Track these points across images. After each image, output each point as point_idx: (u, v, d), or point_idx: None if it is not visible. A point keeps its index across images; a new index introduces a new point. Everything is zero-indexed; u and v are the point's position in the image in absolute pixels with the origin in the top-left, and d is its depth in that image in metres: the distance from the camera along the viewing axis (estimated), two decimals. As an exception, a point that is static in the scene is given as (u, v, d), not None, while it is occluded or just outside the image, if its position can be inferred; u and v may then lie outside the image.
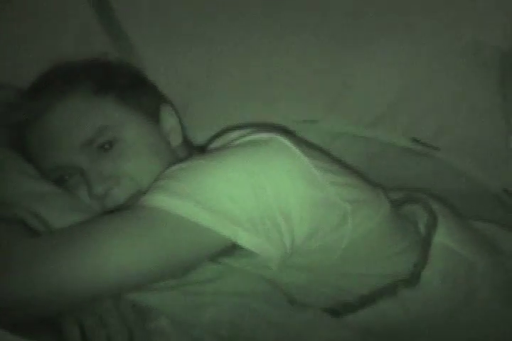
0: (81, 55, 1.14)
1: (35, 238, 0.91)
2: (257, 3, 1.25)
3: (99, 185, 1.01)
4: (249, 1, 1.26)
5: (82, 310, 0.89)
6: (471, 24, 1.17)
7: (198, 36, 1.28)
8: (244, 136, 1.03)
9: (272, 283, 1.05)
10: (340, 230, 0.99)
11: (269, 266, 0.95)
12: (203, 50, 1.31)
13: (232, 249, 0.94)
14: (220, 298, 0.99)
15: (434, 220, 1.13)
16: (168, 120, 1.15)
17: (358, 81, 1.36)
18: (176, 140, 1.14)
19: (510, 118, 1.02)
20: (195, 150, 1.20)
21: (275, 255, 0.93)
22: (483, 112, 1.26)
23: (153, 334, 0.94)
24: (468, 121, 1.32)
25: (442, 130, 1.38)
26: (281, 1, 1.25)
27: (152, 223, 0.90)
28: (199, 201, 0.90)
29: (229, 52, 1.32)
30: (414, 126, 1.40)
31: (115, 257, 0.86)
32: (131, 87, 1.12)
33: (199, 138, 1.31)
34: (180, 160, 1.01)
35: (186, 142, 1.19)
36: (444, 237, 1.11)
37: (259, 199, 0.92)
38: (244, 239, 0.90)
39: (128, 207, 0.96)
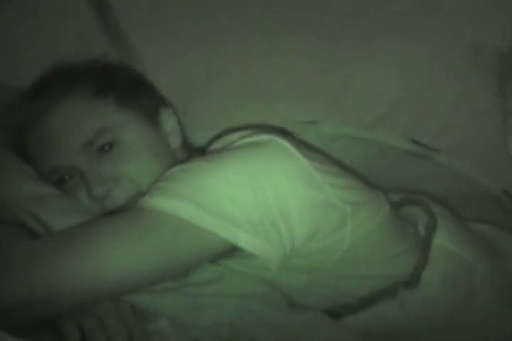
0: (81, 56, 1.14)
1: (34, 240, 0.91)
2: (257, 3, 1.25)
3: (98, 186, 1.02)
4: (249, 1, 1.25)
5: (82, 311, 0.89)
6: (471, 24, 1.17)
7: (198, 36, 1.28)
8: (244, 137, 1.03)
9: (272, 285, 1.05)
10: (340, 232, 0.99)
11: (268, 268, 0.95)
12: (202, 50, 1.31)
13: (232, 250, 0.94)
14: (220, 300, 0.99)
15: (434, 222, 1.13)
16: (168, 122, 1.15)
17: (358, 81, 1.36)
18: (175, 141, 1.14)
19: (509, 120, 1.01)
20: (195, 151, 1.20)
21: (275, 256, 0.93)
22: (483, 113, 1.26)
23: (153, 335, 0.94)
24: (468, 121, 1.32)
25: (442, 131, 1.38)
26: (281, 1, 1.25)
27: (152, 225, 0.90)
28: (199, 203, 0.90)
29: (229, 53, 1.32)
30: (414, 126, 1.40)
31: (115, 259, 0.86)
32: (130, 88, 1.12)
33: (199, 139, 1.30)
34: (180, 162, 1.01)
35: (186, 144, 1.19)
36: (443, 239, 1.11)
37: (258, 200, 0.92)
38: (244, 240, 0.91)
39: (128, 209, 0.96)
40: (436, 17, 1.19)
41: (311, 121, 1.45)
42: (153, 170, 1.03)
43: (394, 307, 1.06)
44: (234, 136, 1.07)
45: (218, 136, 1.16)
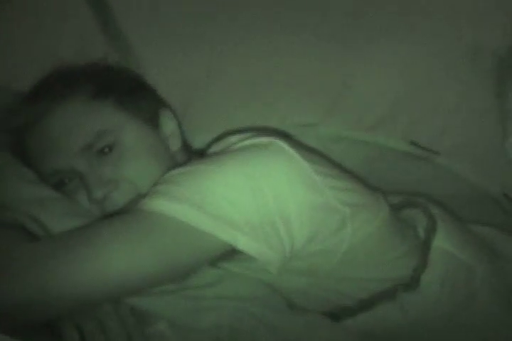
0: (80, 56, 1.14)
1: (34, 243, 0.91)
2: (257, 3, 1.25)
3: (98, 189, 1.02)
4: (249, 0, 1.25)
5: (81, 314, 0.90)
6: (471, 24, 1.16)
7: (198, 37, 1.28)
8: (243, 140, 1.03)
9: (272, 287, 1.05)
10: (340, 234, 0.99)
11: (268, 270, 0.95)
12: (202, 50, 1.30)
13: (231, 253, 0.94)
14: (220, 302, 0.99)
15: (434, 224, 1.13)
16: (168, 124, 1.15)
17: (358, 81, 1.35)
18: (175, 144, 1.14)
19: (506, 122, 1.01)
20: (195, 154, 1.20)
21: (274, 259, 0.93)
22: (483, 114, 1.26)
23: (153, 338, 0.94)
24: (468, 122, 1.32)
25: (442, 132, 1.37)
26: (281, 1, 1.25)
27: (152, 227, 0.90)
28: (198, 205, 0.90)
29: (229, 53, 1.31)
30: (414, 127, 1.40)
31: (115, 262, 0.86)
32: (130, 91, 1.12)
33: (198, 142, 1.30)
34: (180, 165, 1.01)
35: (185, 146, 1.19)
36: (443, 241, 1.11)
37: (258, 203, 0.92)
38: (244, 243, 0.91)
39: (127, 211, 0.96)
40: (436, 17, 1.19)
41: (311, 124, 1.45)
42: (152, 173, 1.03)
43: (393, 310, 1.06)
44: (233, 139, 1.07)
45: (218, 139, 1.16)
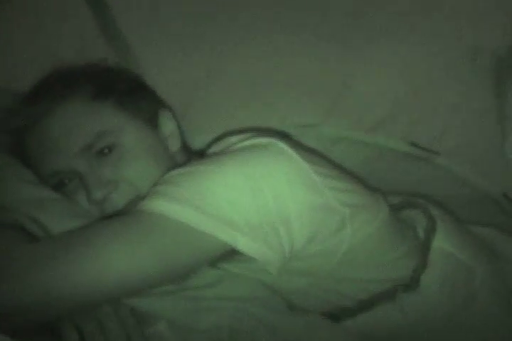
0: (80, 57, 1.14)
1: (34, 243, 0.91)
2: (257, 3, 1.24)
3: (98, 190, 1.02)
4: (249, 0, 1.25)
5: (81, 315, 0.90)
6: (471, 25, 1.16)
7: (197, 37, 1.27)
8: (243, 140, 1.03)
9: (271, 288, 1.05)
10: (339, 235, 0.99)
11: (268, 271, 0.96)
12: (202, 50, 1.30)
13: (231, 253, 0.94)
14: (220, 303, 0.99)
15: (433, 225, 1.13)
16: (167, 125, 1.15)
17: (357, 82, 1.35)
18: (174, 145, 1.14)
19: (505, 123, 1.01)
20: (194, 155, 1.20)
21: (274, 259, 0.93)
22: (483, 114, 1.25)
23: (152, 338, 0.94)
24: (468, 123, 1.32)
25: (442, 132, 1.37)
26: (281, 1, 1.25)
27: (151, 228, 0.90)
28: (198, 206, 0.90)
29: (228, 53, 1.31)
30: (414, 128, 1.40)
31: (115, 262, 0.86)
32: (129, 92, 1.12)
33: (198, 142, 1.30)
34: (179, 165, 1.01)
35: (185, 147, 1.19)
36: (443, 242, 1.11)
37: (258, 203, 0.92)
38: (243, 243, 0.91)
39: (127, 212, 0.96)
40: (436, 17, 1.19)
41: (311, 124, 1.45)
42: (152, 174, 1.03)
43: (393, 310, 1.06)
44: (233, 139, 1.07)
45: (218, 139, 1.16)
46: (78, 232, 0.93)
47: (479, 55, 1.17)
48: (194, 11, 1.25)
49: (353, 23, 1.25)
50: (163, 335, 0.94)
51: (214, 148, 1.12)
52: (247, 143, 1.02)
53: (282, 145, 0.99)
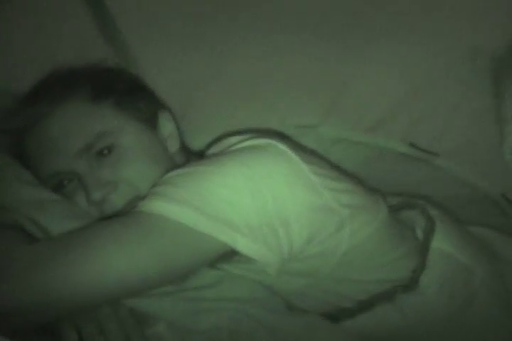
0: (79, 58, 1.14)
1: (33, 244, 0.91)
2: (257, 3, 1.24)
3: (97, 190, 1.02)
4: (249, 1, 1.25)
5: (80, 316, 0.90)
6: (470, 24, 1.16)
7: (197, 37, 1.27)
8: (242, 141, 1.03)
9: (271, 289, 1.05)
10: (338, 236, 0.99)
11: (267, 272, 0.95)
12: (201, 51, 1.30)
13: (231, 254, 0.94)
14: (219, 304, 0.99)
15: (432, 225, 1.13)
16: (166, 126, 1.15)
17: (357, 82, 1.35)
18: (173, 145, 1.14)
19: (503, 125, 1.01)
20: (193, 155, 1.20)
21: (273, 260, 0.93)
22: (483, 115, 1.25)
23: (152, 340, 0.94)
24: (467, 124, 1.32)
25: (442, 133, 1.37)
26: (281, 1, 1.25)
27: (151, 229, 0.90)
28: (197, 207, 0.90)
29: (228, 54, 1.31)
30: (414, 128, 1.40)
31: (114, 263, 0.86)
32: (129, 92, 1.12)
33: (197, 143, 1.30)
34: (178, 166, 1.01)
35: (184, 148, 1.19)
36: (442, 242, 1.10)
37: (257, 205, 0.92)
38: (243, 244, 0.91)
39: (126, 213, 0.96)
40: (436, 17, 1.19)
41: (310, 125, 1.45)
42: (151, 174, 1.03)
43: (392, 311, 1.06)
44: (232, 140, 1.07)
45: (217, 140, 1.17)
46: (77, 233, 0.93)
47: (479, 55, 1.17)
48: (194, 11, 1.25)
49: (353, 23, 1.25)
50: (162, 336, 0.94)
51: (213, 149, 1.12)
52: (246, 144, 1.02)
53: (281, 146, 0.99)
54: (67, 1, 1.19)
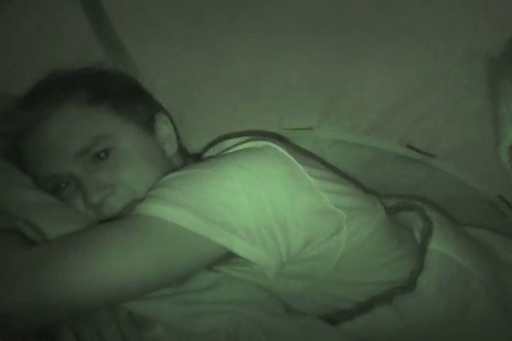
0: (77, 60, 1.14)
1: (32, 248, 0.91)
2: (257, 3, 1.24)
3: (95, 193, 1.02)
4: (249, 1, 1.24)
5: (79, 320, 0.89)
6: (466, 26, 1.16)
7: (194, 39, 1.28)
8: (239, 143, 1.04)
9: (269, 291, 1.05)
10: (336, 238, 0.99)
11: (265, 274, 0.95)
12: (199, 52, 1.30)
13: (228, 257, 0.94)
14: (217, 307, 0.99)
15: (430, 227, 1.13)
16: (163, 129, 1.15)
17: (356, 83, 1.36)
18: (171, 148, 1.14)
19: (499, 127, 1.01)
20: (191, 158, 1.20)
21: (271, 263, 0.93)
22: (480, 118, 1.25)
23: (150, 342, 0.95)
24: (464, 127, 1.32)
25: (439, 136, 1.37)
26: (280, 2, 1.24)
27: (148, 232, 0.90)
28: (195, 209, 0.90)
29: (225, 55, 1.31)
30: (411, 131, 1.40)
31: (112, 267, 0.86)
32: (126, 96, 1.12)
33: (194, 146, 1.30)
34: (176, 169, 1.01)
35: (181, 150, 1.19)
36: (439, 244, 1.10)
37: (254, 207, 0.92)
38: (240, 247, 0.91)
39: (123, 216, 0.96)
40: (437, 18, 1.18)
41: (307, 128, 1.45)
42: (149, 177, 1.03)
43: (391, 313, 1.05)
44: (229, 143, 1.08)
45: (214, 143, 1.17)
46: (75, 236, 0.93)
47: (478, 56, 1.17)
48: (193, 11, 1.25)
49: (353, 23, 1.25)
50: (160, 339, 0.94)
51: (211, 152, 1.13)
52: (243, 146, 1.02)
53: (278, 148, 0.99)
54: (67, 2, 1.19)
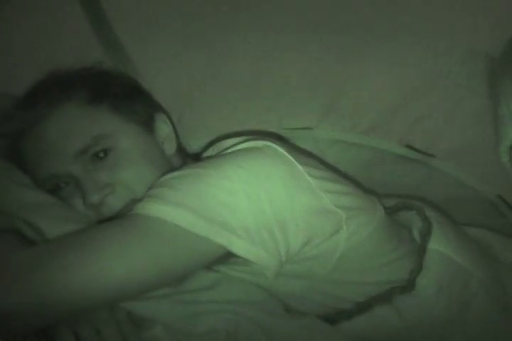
0: (76, 60, 1.14)
1: (31, 248, 0.91)
2: (257, 4, 1.24)
3: (94, 193, 1.02)
4: (248, 1, 1.24)
5: (78, 320, 0.89)
6: (466, 26, 1.16)
7: (194, 39, 1.28)
8: (239, 143, 1.03)
9: (268, 291, 1.05)
10: (335, 238, 0.99)
11: (265, 274, 0.95)
12: (199, 51, 1.30)
13: (228, 256, 0.94)
14: (216, 307, 0.98)
15: (429, 227, 1.13)
16: (163, 128, 1.15)
17: (356, 83, 1.35)
18: (170, 148, 1.14)
19: (499, 126, 1.01)
20: (190, 158, 1.20)
21: (270, 263, 0.93)
22: (479, 118, 1.25)
23: (149, 342, 0.95)
24: (464, 127, 1.32)
25: (438, 135, 1.37)
26: (280, 3, 1.24)
27: (147, 232, 0.90)
28: (194, 209, 0.90)
29: (225, 55, 1.31)
30: (410, 131, 1.40)
31: (111, 266, 0.86)
32: (125, 95, 1.12)
33: (194, 146, 1.30)
34: (175, 168, 1.01)
35: (181, 150, 1.19)
36: (439, 244, 1.10)
37: (253, 207, 0.92)
38: (239, 246, 0.91)
39: (123, 216, 0.96)
40: (436, 18, 1.18)
41: (307, 128, 1.45)
42: (148, 177, 1.03)
43: (390, 313, 1.05)
44: (228, 142, 1.07)
45: (213, 142, 1.17)
46: (75, 236, 0.93)
47: (478, 56, 1.17)
48: (193, 11, 1.25)
49: (353, 23, 1.25)
50: (159, 339, 0.94)
51: (210, 151, 1.13)
52: (243, 146, 1.02)
53: (278, 148, 0.99)
54: (66, 2, 1.19)
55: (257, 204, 0.92)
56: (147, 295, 0.95)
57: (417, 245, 1.11)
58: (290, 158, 0.98)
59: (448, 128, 1.35)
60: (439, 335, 1.08)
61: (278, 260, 0.94)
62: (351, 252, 1.01)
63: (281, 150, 0.99)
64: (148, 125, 1.12)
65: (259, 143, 1.01)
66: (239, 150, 1.01)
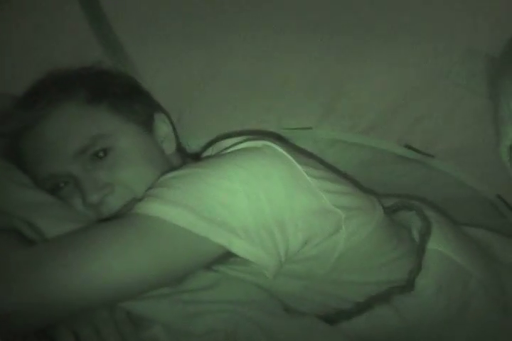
0: (76, 60, 1.14)
1: (30, 247, 0.91)
2: (257, 4, 1.24)
3: (94, 193, 1.02)
4: (249, 1, 1.24)
5: (77, 319, 0.89)
6: (465, 26, 1.16)
7: (193, 39, 1.28)
8: (238, 143, 1.03)
9: (268, 291, 1.05)
10: (335, 238, 0.99)
11: (264, 274, 0.95)
12: (198, 51, 1.30)
13: (227, 256, 0.94)
14: (216, 306, 0.99)
15: (428, 227, 1.13)
16: (162, 128, 1.15)
17: (356, 83, 1.35)
18: (169, 148, 1.14)
19: (500, 126, 1.01)
20: (189, 157, 1.20)
21: (270, 263, 0.93)
22: (479, 117, 1.25)
23: (148, 342, 0.95)
24: (463, 127, 1.32)
25: (438, 135, 1.37)
26: (280, 3, 1.24)
27: (147, 231, 0.90)
28: (193, 209, 0.90)
29: (224, 55, 1.31)
30: (410, 131, 1.40)
31: (111, 265, 0.86)
32: (124, 95, 1.12)
33: (193, 145, 1.30)
34: (175, 168, 1.01)
35: (180, 150, 1.19)
36: (438, 244, 1.10)
37: (253, 207, 0.92)
38: (239, 246, 0.91)
39: (122, 215, 0.96)
40: (436, 18, 1.18)
41: (306, 127, 1.45)
42: (147, 177, 1.03)
43: (390, 313, 1.05)
44: (228, 142, 1.07)
45: (213, 142, 1.17)
46: (74, 235, 0.93)
47: (475, 57, 1.17)
48: (193, 11, 1.24)
49: (353, 23, 1.25)
50: (158, 339, 0.94)
51: (209, 151, 1.13)
52: (242, 145, 1.02)
53: (277, 148, 0.99)
54: (65, 1, 1.19)
55: (256, 204, 0.92)
56: (146, 294, 0.95)
57: (417, 245, 1.11)
58: (289, 157, 0.98)
59: (448, 128, 1.35)
60: (438, 335, 1.08)
61: (277, 260, 0.94)
62: (351, 252, 1.00)
63: (280, 150, 0.99)
64: (147, 125, 1.13)
65: (259, 142, 1.01)
66: (238, 150, 1.01)
